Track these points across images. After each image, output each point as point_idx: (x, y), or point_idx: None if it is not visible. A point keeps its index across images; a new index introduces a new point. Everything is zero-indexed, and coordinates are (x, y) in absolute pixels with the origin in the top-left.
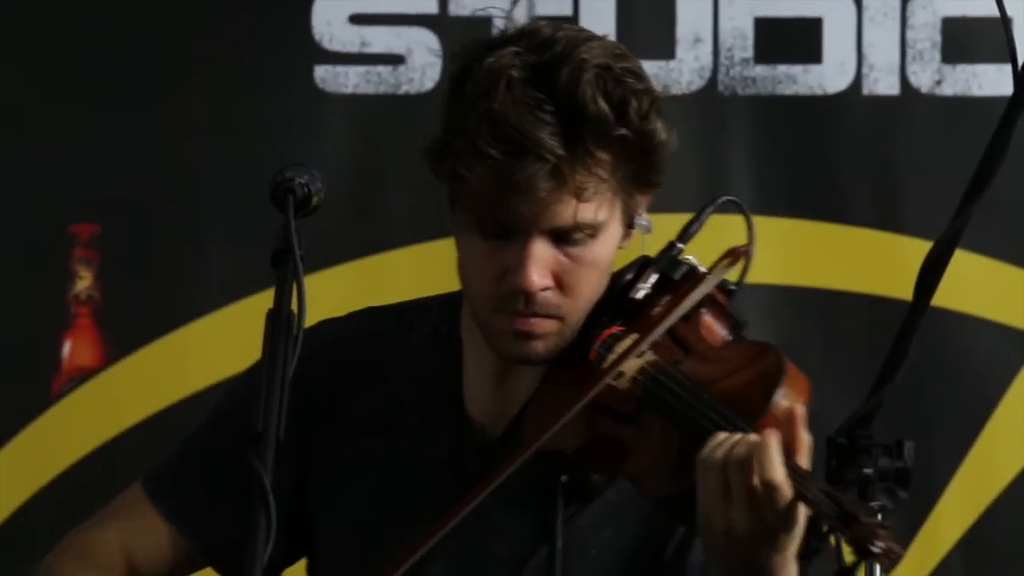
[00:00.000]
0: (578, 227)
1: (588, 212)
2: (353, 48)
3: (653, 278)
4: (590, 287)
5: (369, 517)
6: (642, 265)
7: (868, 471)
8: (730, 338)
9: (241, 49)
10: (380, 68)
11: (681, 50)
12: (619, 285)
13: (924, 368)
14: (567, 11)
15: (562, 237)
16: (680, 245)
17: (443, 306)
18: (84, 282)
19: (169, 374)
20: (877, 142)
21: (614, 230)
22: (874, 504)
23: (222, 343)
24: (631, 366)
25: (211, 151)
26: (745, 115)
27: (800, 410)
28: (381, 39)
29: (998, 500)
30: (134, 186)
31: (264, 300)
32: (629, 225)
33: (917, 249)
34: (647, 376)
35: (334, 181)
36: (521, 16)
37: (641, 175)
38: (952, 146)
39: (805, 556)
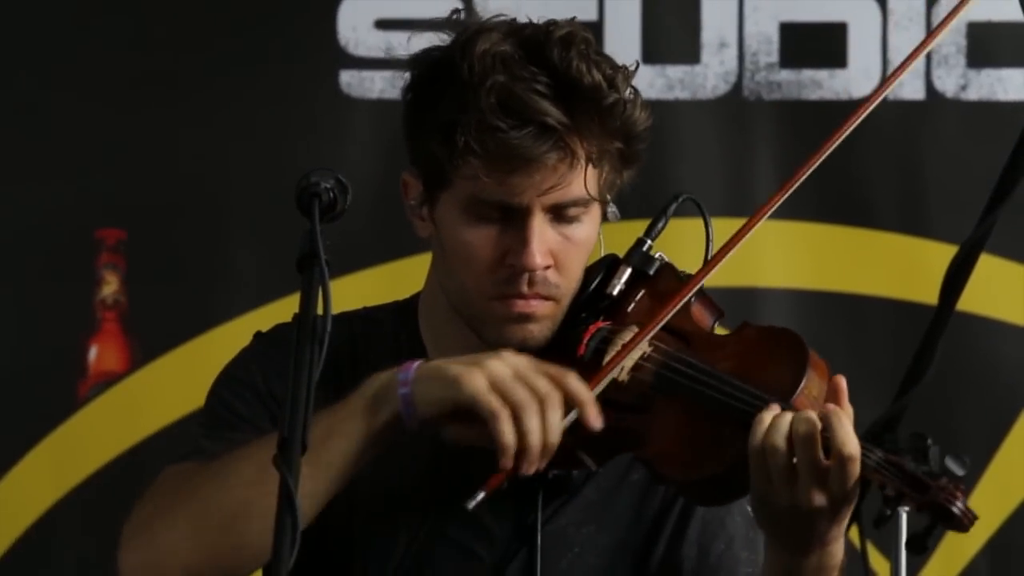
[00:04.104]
0: (578, 201)
1: (592, 182)
2: (378, 53)
3: (626, 274)
4: (580, 268)
5: (346, 527)
6: (612, 263)
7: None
8: (715, 325)
9: (267, 54)
10: (405, 79)
11: (706, 55)
12: (592, 283)
13: (949, 372)
14: (592, 16)
15: (558, 215)
16: (649, 241)
17: (394, 314)
18: (110, 287)
19: (195, 379)
20: (902, 147)
21: (598, 212)
22: (940, 468)
23: None
24: (630, 357)
25: (237, 156)
26: (770, 120)
27: (843, 381)
28: (406, 44)
29: None
30: (160, 191)
31: (290, 304)
32: (603, 213)
33: (942, 253)
34: (657, 364)
35: (359, 185)
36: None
37: (627, 149)
38: (977, 150)
39: (877, 525)
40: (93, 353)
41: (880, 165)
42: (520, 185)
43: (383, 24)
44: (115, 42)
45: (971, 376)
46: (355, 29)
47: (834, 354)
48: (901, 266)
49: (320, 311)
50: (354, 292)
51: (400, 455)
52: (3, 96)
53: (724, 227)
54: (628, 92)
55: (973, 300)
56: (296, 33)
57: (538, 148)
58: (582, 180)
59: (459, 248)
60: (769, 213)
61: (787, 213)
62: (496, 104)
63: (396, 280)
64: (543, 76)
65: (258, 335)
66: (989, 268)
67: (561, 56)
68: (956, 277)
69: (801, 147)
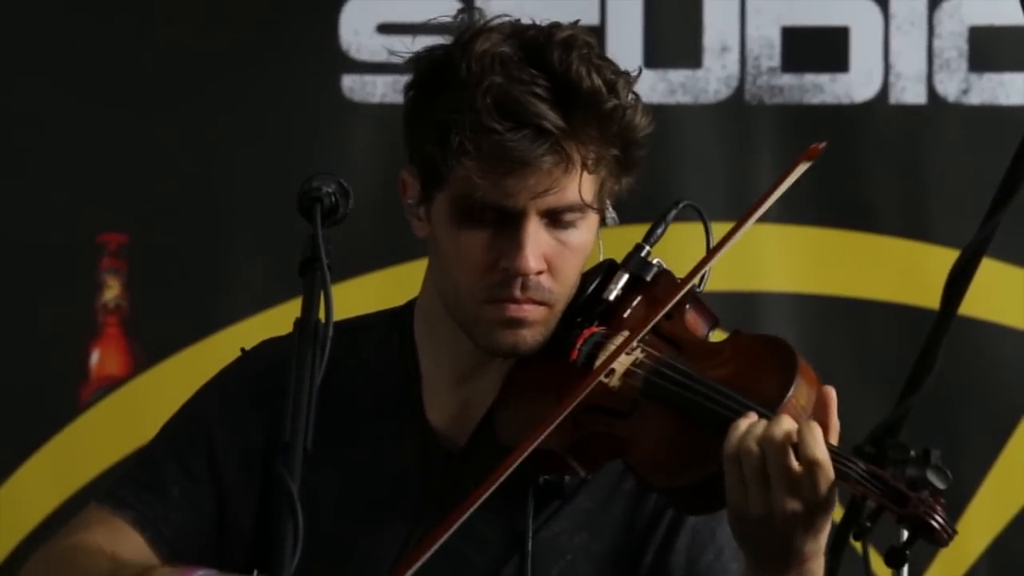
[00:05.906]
0: (573, 206)
1: (588, 188)
2: (380, 57)
3: (623, 280)
4: (575, 274)
5: (335, 533)
6: (609, 268)
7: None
8: (710, 333)
9: (269, 59)
10: (407, 78)
11: (708, 59)
12: (589, 287)
13: (951, 377)
14: (594, 20)
15: (554, 219)
16: (647, 247)
17: (389, 320)
18: (112, 291)
19: (197, 383)
20: (904, 151)
21: (595, 218)
22: (923, 482)
23: None
24: (621, 363)
25: (239, 160)
26: (772, 124)
27: (832, 392)
28: (410, 47)
29: None
30: (162, 196)
31: (292, 309)
32: (601, 218)
33: (944, 258)
34: (647, 370)
35: (361, 190)
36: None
37: (625, 156)
38: (979, 155)
39: (857, 536)
40: (95, 357)
41: (882, 169)
42: (514, 187)
43: (385, 28)
44: (117, 46)
45: (973, 380)
46: (357, 33)
47: (835, 359)
48: (903, 270)
49: (322, 316)
50: (356, 297)
51: (388, 460)
52: (5, 100)
53: (726, 231)
54: (629, 98)
55: (975, 304)
56: (298, 37)
57: (533, 151)
58: (577, 185)
59: (452, 249)
60: (756, 217)
61: (789, 217)
62: (492, 105)
63: (398, 285)
64: (542, 79)
65: (240, 357)
66: (991, 272)
67: (561, 59)
68: (958, 281)
69: (803, 151)
